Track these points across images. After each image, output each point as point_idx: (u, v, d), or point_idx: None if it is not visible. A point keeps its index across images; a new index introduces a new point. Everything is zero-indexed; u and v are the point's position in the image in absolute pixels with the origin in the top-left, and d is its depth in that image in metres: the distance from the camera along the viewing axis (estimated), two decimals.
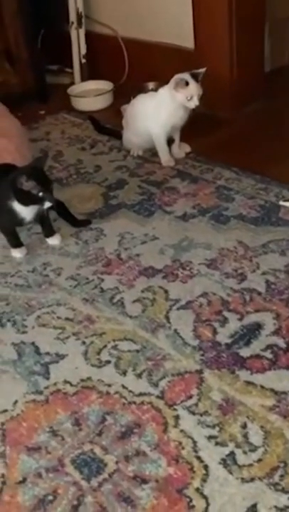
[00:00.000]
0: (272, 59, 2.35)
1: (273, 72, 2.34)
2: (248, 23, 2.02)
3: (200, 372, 1.07)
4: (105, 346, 1.16)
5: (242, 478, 0.88)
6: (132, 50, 2.38)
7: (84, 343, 1.17)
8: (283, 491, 0.86)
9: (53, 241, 1.51)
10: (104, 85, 2.39)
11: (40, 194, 1.34)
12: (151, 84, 2.17)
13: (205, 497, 0.86)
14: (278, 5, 2.26)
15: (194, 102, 1.69)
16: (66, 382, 1.09)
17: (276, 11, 2.25)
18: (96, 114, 2.20)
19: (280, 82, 2.27)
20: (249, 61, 2.09)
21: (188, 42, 2.14)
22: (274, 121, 2.04)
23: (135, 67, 2.38)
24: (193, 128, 1.81)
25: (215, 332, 1.16)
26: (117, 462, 0.93)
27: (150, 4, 2.24)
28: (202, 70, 1.70)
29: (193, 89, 1.68)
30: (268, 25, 2.21)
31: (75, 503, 0.88)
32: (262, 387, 1.03)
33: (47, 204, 1.36)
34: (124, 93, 2.11)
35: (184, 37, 2.15)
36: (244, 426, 0.96)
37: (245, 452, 0.92)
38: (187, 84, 1.68)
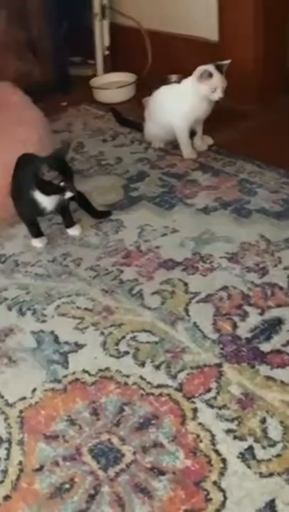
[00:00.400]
0: None
1: None
2: (274, 15, 1.99)
3: (219, 365, 1.06)
4: (124, 337, 1.16)
5: (260, 473, 0.87)
6: (155, 42, 2.37)
7: (103, 333, 1.17)
8: None
9: (73, 232, 1.51)
10: (127, 77, 2.38)
11: (62, 184, 1.34)
12: (174, 77, 2.16)
13: (222, 490, 0.86)
14: None
15: (218, 94, 1.66)
16: (85, 371, 1.09)
17: None
18: (118, 106, 2.19)
19: None
20: (274, 55, 2.06)
21: (212, 34, 2.12)
22: None
23: (158, 59, 2.37)
24: (217, 121, 1.79)
25: (235, 326, 1.15)
26: (134, 453, 0.93)
27: None
28: (226, 62, 1.67)
29: (218, 80, 1.66)
30: None
31: (92, 492, 0.88)
32: (282, 382, 1.01)
33: (68, 194, 1.36)
34: (147, 85, 2.09)
35: (208, 29, 2.13)
36: (263, 421, 0.95)
37: (264, 447, 0.91)
38: (211, 75, 1.66)
